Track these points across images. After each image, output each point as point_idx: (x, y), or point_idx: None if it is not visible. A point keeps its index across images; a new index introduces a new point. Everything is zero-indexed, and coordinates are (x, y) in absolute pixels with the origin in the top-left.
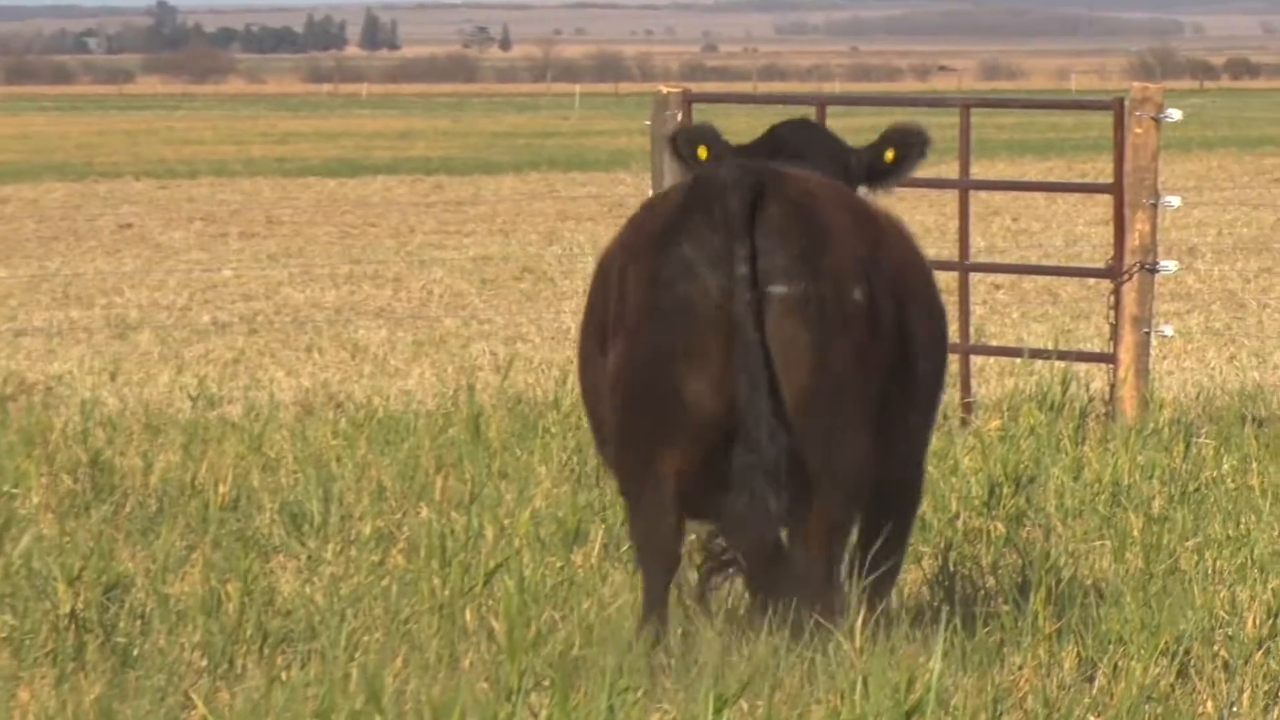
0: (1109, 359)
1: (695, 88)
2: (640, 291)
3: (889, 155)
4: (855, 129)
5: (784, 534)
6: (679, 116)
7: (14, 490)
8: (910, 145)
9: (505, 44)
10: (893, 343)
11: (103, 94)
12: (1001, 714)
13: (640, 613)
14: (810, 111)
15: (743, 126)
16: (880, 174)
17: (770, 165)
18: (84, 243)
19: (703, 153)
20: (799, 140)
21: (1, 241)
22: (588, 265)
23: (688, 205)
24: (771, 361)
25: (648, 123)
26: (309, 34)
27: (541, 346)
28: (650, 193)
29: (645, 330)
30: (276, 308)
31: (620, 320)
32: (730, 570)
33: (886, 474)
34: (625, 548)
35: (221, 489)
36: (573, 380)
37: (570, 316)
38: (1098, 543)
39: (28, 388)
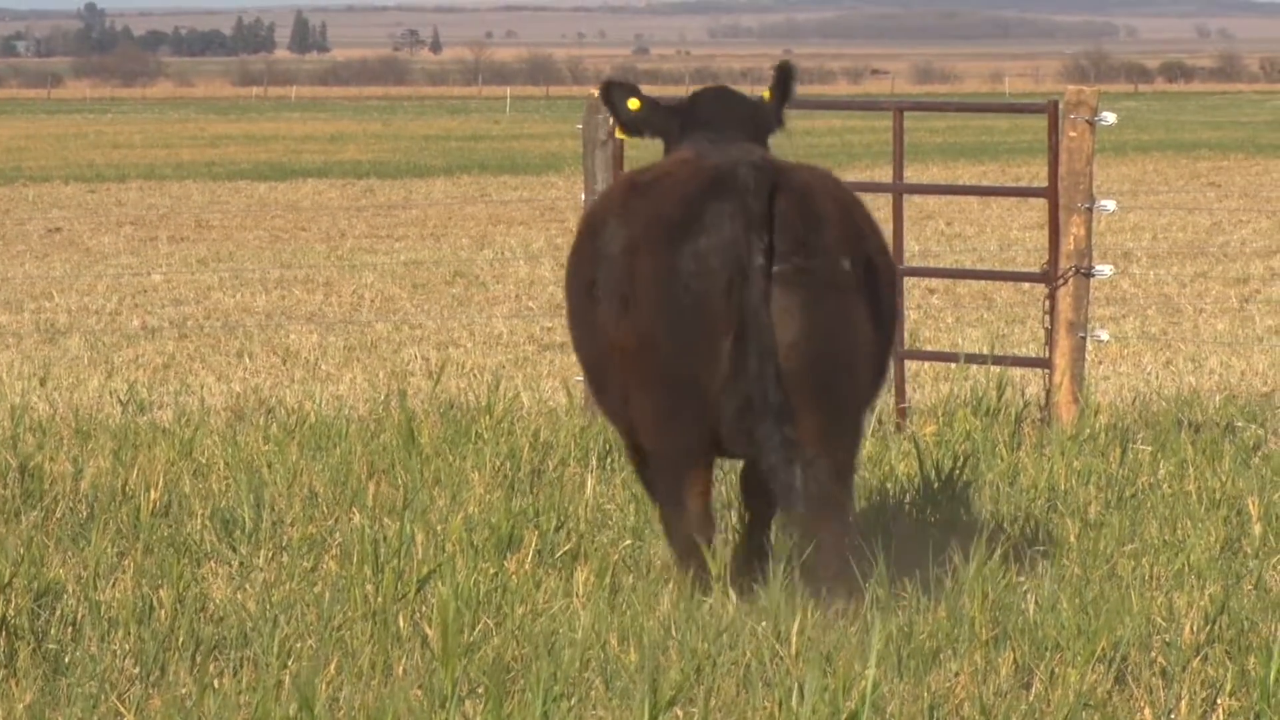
0: (1044, 364)
1: None
2: (657, 278)
3: (766, 95)
4: (788, 131)
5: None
6: (610, 120)
7: None
8: (782, 79)
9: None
10: (870, 302)
11: (31, 98)
12: None
13: (679, 572)
14: None
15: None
16: (778, 109)
17: (772, 159)
18: (12, 247)
19: (633, 104)
20: (719, 106)
21: None
22: (519, 269)
23: (703, 198)
24: (774, 329)
25: (579, 126)
26: (238, 37)
27: (474, 351)
28: (583, 197)
29: (664, 312)
30: (207, 312)
31: (628, 299)
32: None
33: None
34: (559, 554)
35: (152, 495)
36: (506, 386)
37: (502, 321)
38: (1034, 549)
39: None
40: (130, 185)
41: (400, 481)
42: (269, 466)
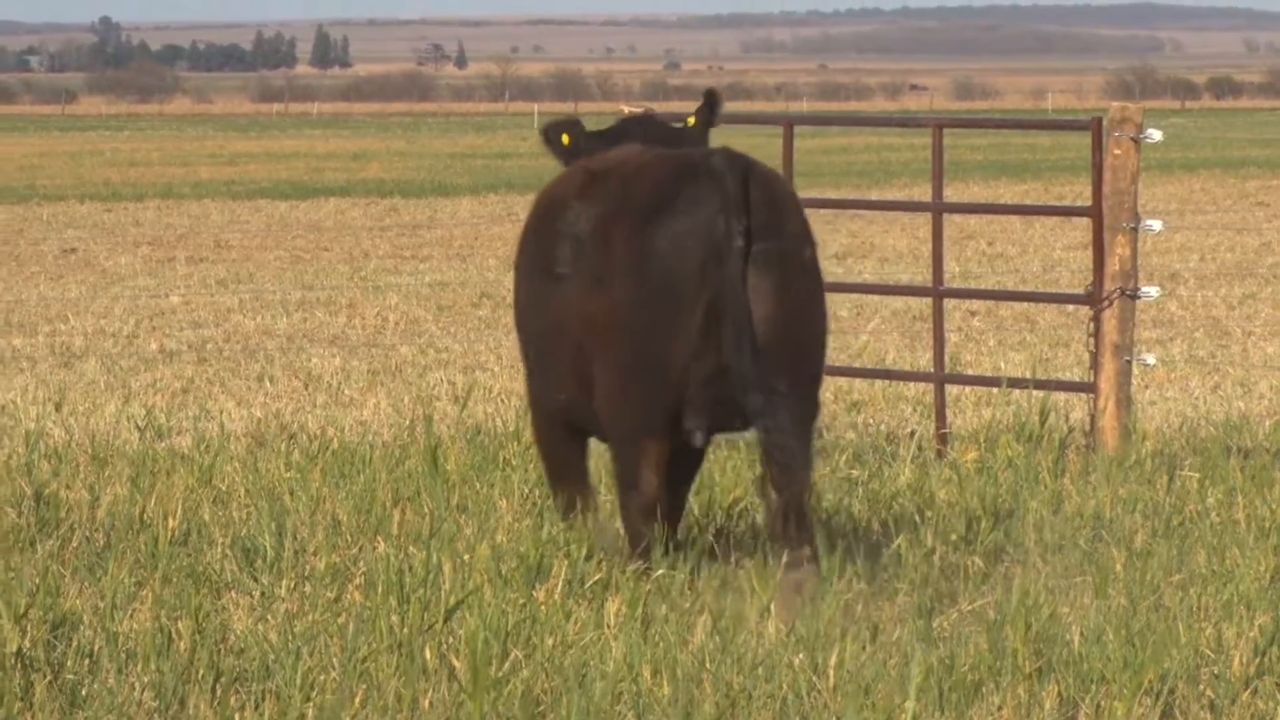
0: (1089, 388)
1: (658, 107)
2: (634, 257)
3: (690, 121)
4: (824, 149)
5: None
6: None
7: None
8: (708, 106)
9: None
10: (817, 291)
11: (45, 114)
12: None
13: (630, 541)
14: (777, 134)
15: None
16: (703, 134)
17: (738, 152)
18: (27, 268)
19: (566, 139)
20: (643, 129)
21: None
22: None
23: (682, 180)
24: (749, 306)
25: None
26: (258, 52)
27: (501, 375)
28: None
29: (639, 289)
30: (226, 335)
31: (604, 276)
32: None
33: None
34: (590, 583)
35: (171, 523)
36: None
37: None
38: (1079, 579)
39: None
40: (147, 204)
41: (426, 509)
42: (291, 494)
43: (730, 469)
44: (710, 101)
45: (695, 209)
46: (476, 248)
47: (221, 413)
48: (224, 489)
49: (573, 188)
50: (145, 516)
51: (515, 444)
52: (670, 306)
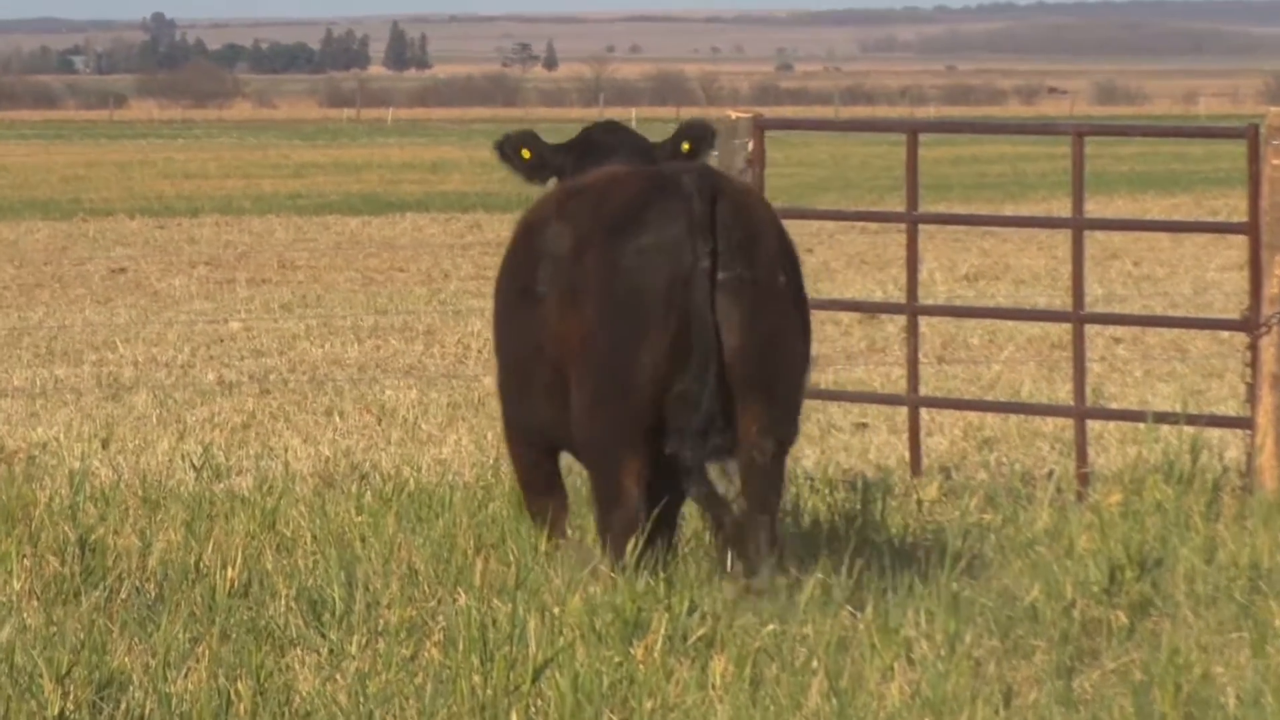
0: (1246, 424)
1: (768, 112)
2: (608, 273)
3: (685, 147)
4: (953, 159)
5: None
6: (749, 146)
7: None
8: (701, 137)
9: (550, 62)
10: (798, 309)
11: (91, 120)
12: None
13: (612, 556)
14: (899, 142)
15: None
16: (670, 156)
17: (709, 168)
18: (71, 290)
19: (526, 154)
20: (611, 139)
21: None
22: None
23: (650, 198)
24: (719, 334)
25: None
26: (327, 51)
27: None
28: None
29: (606, 305)
30: (291, 365)
31: (577, 295)
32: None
33: None
34: (693, 640)
35: (230, 572)
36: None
37: None
38: (1234, 635)
39: (7, 456)
40: (204, 220)
41: (512, 557)
42: (362, 540)
43: (848, 513)
44: (703, 136)
45: (662, 227)
46: None
47: (286, 450)
48: (288, 535)
49: (552, 208)
50: (201, 565)
51: None
52: (637, 322)
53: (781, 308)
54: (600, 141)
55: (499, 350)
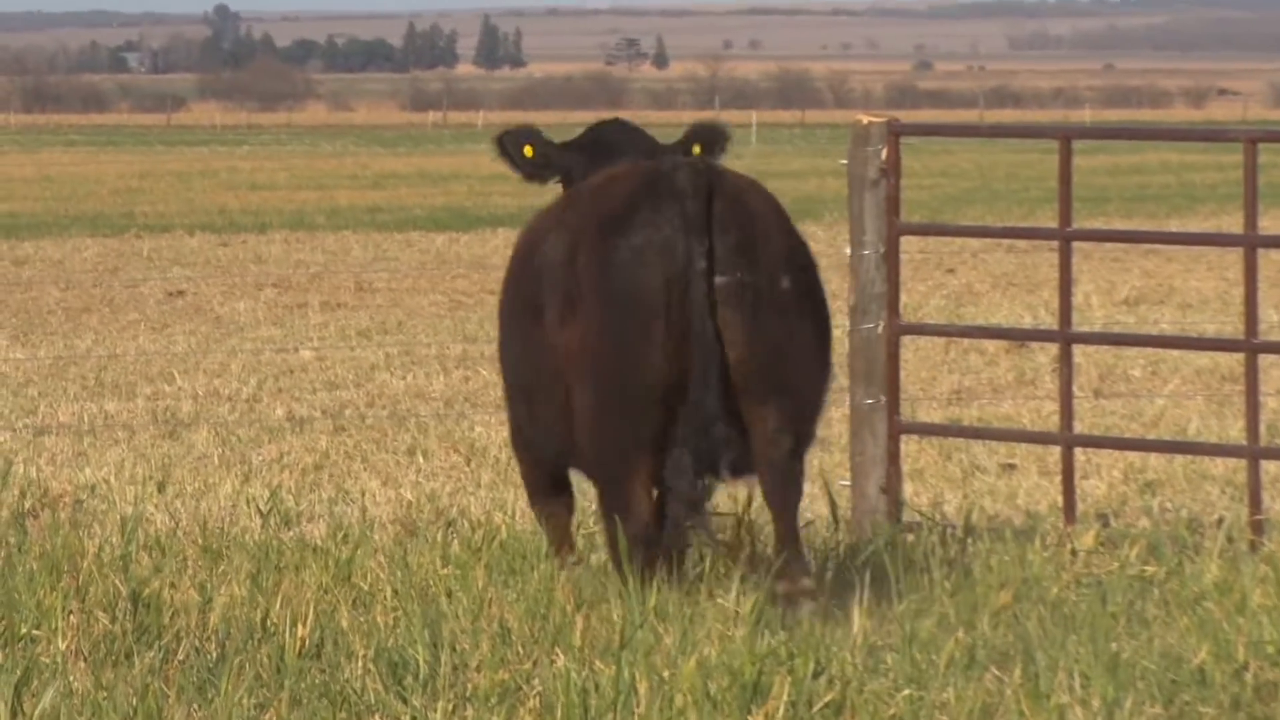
0: None
1: (904, 117)
2: (599, 277)
3: (696, 150)
4: (1111, 169)
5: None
6: (883, 154)
7: (36, 632)
8: (714, 141)
9: (660, 60)
10: (810, 310)
11: (146, 125)
12: None
13: (623, 569)
14: (1051, 150)
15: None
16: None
17: (708, 162)
18: (123, 315)
19: (528, 151)
20: (617, 138)
21: (18, 313)
22: None
23: (641, 196)
24: (720, 340)
25: (843, 161)
26: (410, 48)
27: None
28: (848, 250)
29: (603, 306)
30: (370, 398)
31: (573, 301)
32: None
33: None
34: (819, 706)
35: (300, 631)
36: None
37: None
38: None
39: (52, 501)
40: (272, 237)
41: (616, 615)
42: (449, 595)
43: (992, 564)
44: (714, 138)
45: (654, 226)
46: None
47: (363, 494)
48: (366, 589)
49: (552, 217)
50: (269, 622)
51: (733, 535)
52: (636, 324)
53: (787, 313)
54: (610, 140)
55: (504, 369)
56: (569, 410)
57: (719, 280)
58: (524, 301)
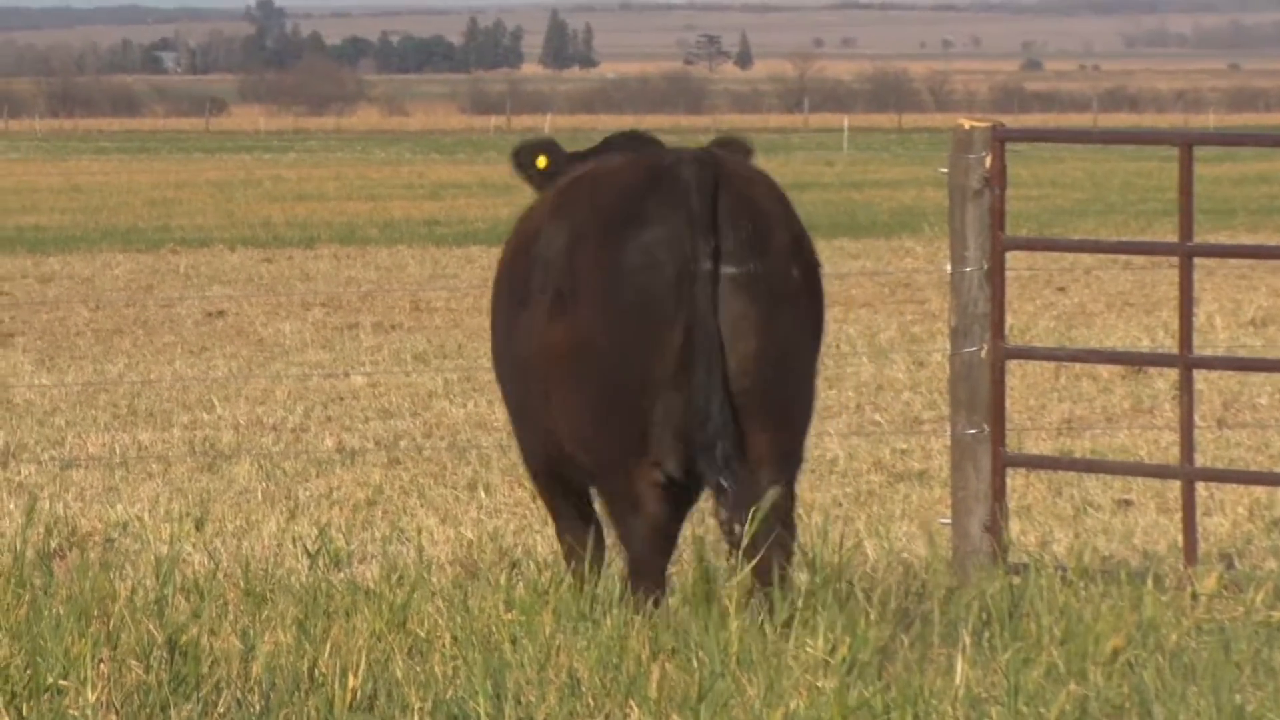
0: None
1: (1010, 121)
2: (600, 273)
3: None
4: (1236, 178)
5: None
6: (987, 161)
7: (63, 683)
8: (734, 153)
9: (744, 60)
10: (811, 309)
11: (183, 130)
12: None
13: (635, 576)
14: (1171, 157)
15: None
16: None
17: (714, 153)
18: (158, 337)
19: (542, 162)
20: (635, 149)
21: (43, 335)
22: (861, 369)
23: (645, 189)
24: (723, 340)
25: (944, 170)
26: (470, 46)
27: (807, 477)
28: (949, 267)
29: (608, 307)
30: (427, 428)
31: (572, 296)
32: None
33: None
34: None
35: (351, 681)
36: (842, 531)
37: (837, 441)
38: None
39: (80, 540)
40: (320, 252)
41: (695, 664)
42: (513, 642)
43: (1105, 610)
44: (738, 152)
45: (660, 221)
46: None
47: (420, 533)
48: (423, 635)
49: (547, 208)
50: (317, 672)
51: (819, 574)
52: (642, 323)
53: (796, 310)
54: (626, 149)
55: (500, 377)
56: (551, 410)
57: (732, 271)
58: (516, 299)
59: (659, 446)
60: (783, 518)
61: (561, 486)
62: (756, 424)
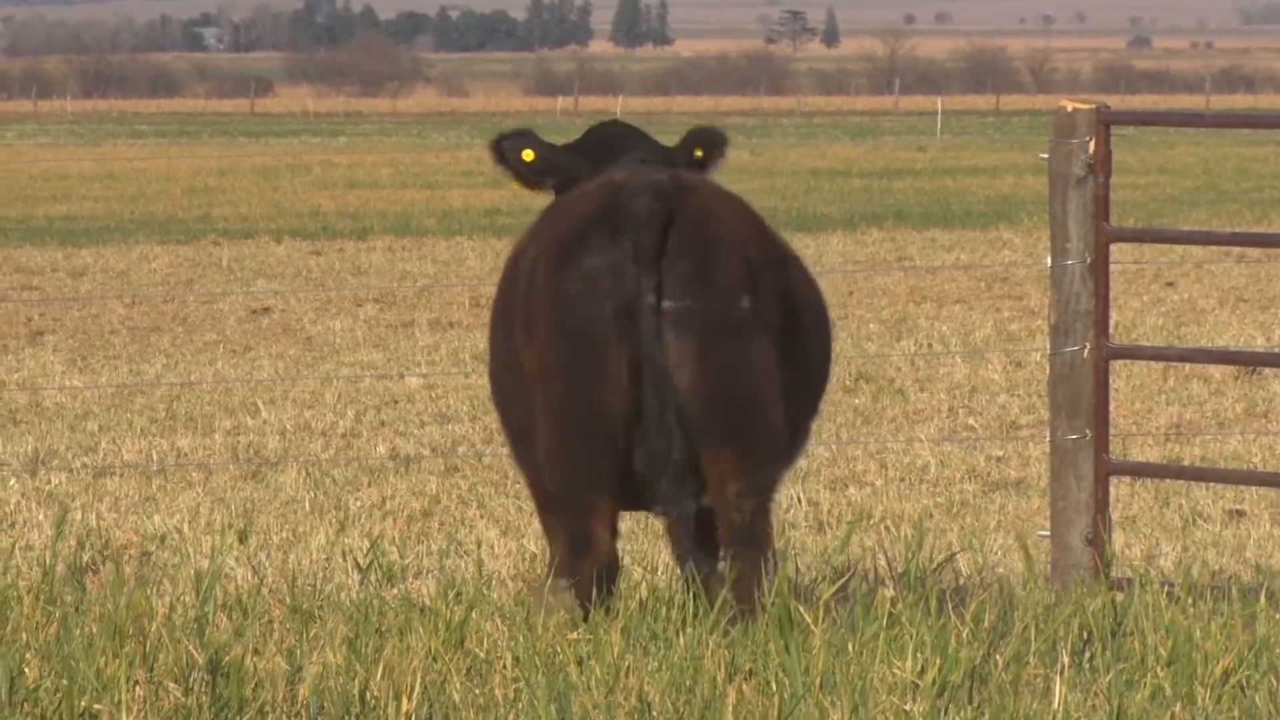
0: None
1: (1115, 103)
2: (549, 298)
3: (697, 153)
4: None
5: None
6: (1090, 147)
7: (97, 706)
8: (714, 145)
9: (830, 37)
10: (785, 339)
11: (226, 113)
12: None
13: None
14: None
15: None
16: (692, 170)
17: (677, 177)
18: (198, 336)
19: (529, 156)
20: (621, 140)
21: (75, 334)
22: (955, 370)
23: (596, 219)
24: (670, 374)
25: (1044, 155)
26: (535, 22)
27: (885, 491)
28: (1049, 260)
29: (556, 335)
30: (487, 434)
31: (533, 327)
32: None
33: None
34: None
35: (406, 704)
36: (933, 544)
37: (929, 447)
38: None
39: (115, 553)
40: (374, 244)
41: (774, 685)
42: (579, 663)
43: (1215, 628)
44: (714, 144)
45: (604, 250)
46: (852, 306)
47: (479, 546)
48: (482, 656)
49: (532, 227)
50: (368, 695)
51: (908, 593)
52: (582, 353)
53: (741, 340)
54: (612, 140)
55: (494, 397)
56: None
57: (669, 306)
58: (504, 316)
59: (623, 481)
60: (750, 537)
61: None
62: (711, 452)
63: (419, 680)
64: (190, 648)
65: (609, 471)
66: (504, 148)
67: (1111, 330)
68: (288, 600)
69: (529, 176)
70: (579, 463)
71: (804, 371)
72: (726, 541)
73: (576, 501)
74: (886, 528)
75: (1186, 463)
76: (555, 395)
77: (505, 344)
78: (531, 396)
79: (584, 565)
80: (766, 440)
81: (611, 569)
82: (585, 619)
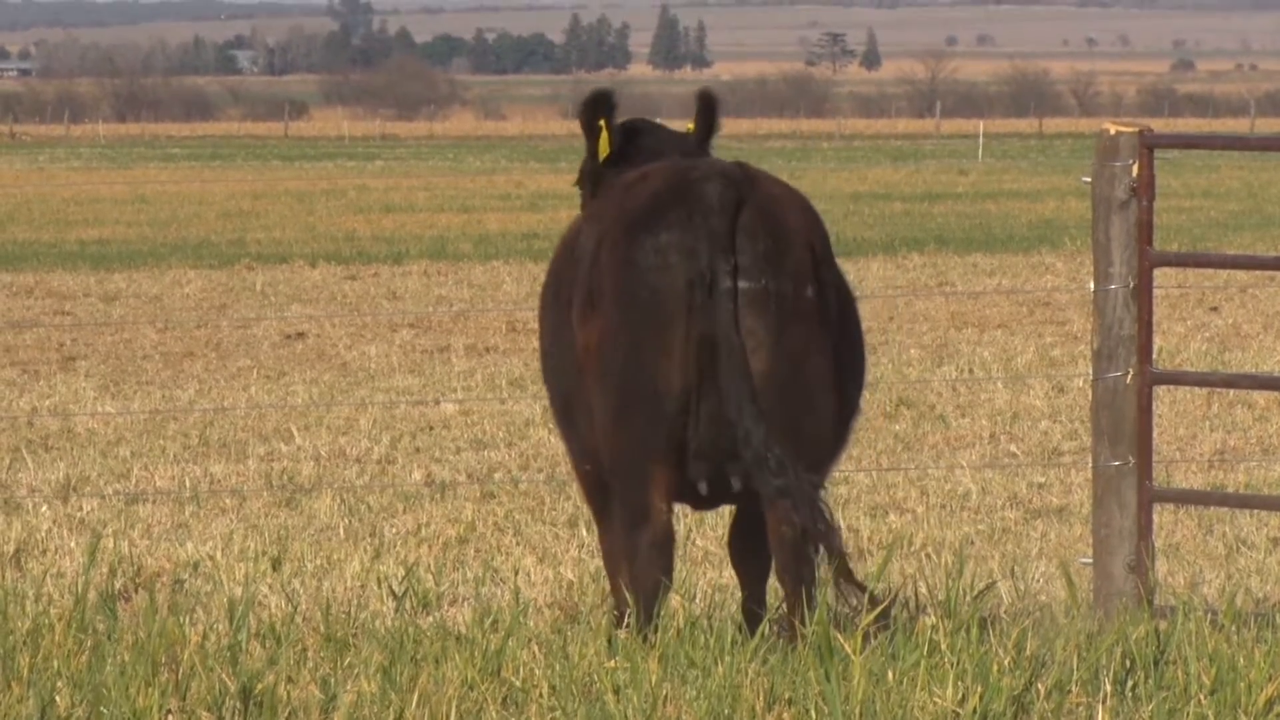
0: None
1: (1159, 126)
2: (617, 272)
3: (690, 126)
4: None
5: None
6: (1134, 169)
7: None
8: (704, 105)
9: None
10: (834, 327)
11: (260, 136)
12: None
13: (634, 586)
14: None
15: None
16: (700, 142)
17: (743, 165)
18: (232, 361)
19: (603, 124)
20: (653, 131)
21: (108, 359)
22: (996, 396)
23: (669, 199)
24: (746, 353)
25: (1087, 179)
26: (573, 45)
27: (926, 519)
28: (1092, 285)
29: (623, 305)
30: (524, 459)
31: (596, 300)
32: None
33: None
34: None
35: None
36: (974, 571)
37: (970, 474)
38: None
39: (147, 580)
40: (409, 268)
41: (814, 714)
42: (616, 692)
43: (1259, 657)
44: (707, 105)
45: (681, 230)
46: (891, 331)
47: (516, 573)
48: (518, 684)
49: (591, 209)
50: None
51: (945, 621)
52: (656, 325)
53: (810, 324)
54: (646, 136)
55: (548, 380)
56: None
57: (745, 286)
58: (557, 294)
59: (681, 454)
60: (807, 559)
61: (609, 494)
62: (774, 432)
63: (454, 709)
64: (223, 676)
65: (668, 442)
66: (600, 107)
67: (1155, 356)
68: (322, 628)
69: (593, 144)
70: (639, 431)
71: (849, 366)
72: (778, 557)
73: (635, 470)
74: (927, 555)
75: (1230, 489)
76: (618, 364)
77: (557, 321)
78: (585, 371)
79: (641, 536)
80: (822, 427)
81: (667, 544)
82: (647, 597)
